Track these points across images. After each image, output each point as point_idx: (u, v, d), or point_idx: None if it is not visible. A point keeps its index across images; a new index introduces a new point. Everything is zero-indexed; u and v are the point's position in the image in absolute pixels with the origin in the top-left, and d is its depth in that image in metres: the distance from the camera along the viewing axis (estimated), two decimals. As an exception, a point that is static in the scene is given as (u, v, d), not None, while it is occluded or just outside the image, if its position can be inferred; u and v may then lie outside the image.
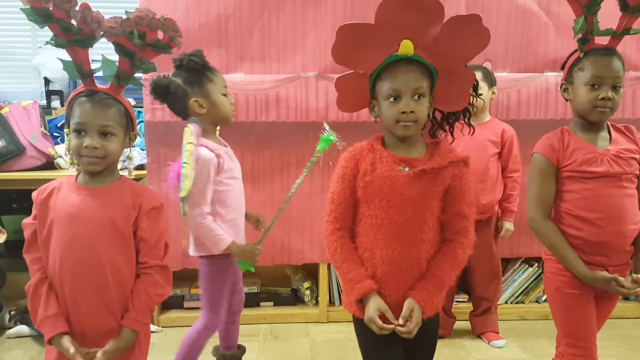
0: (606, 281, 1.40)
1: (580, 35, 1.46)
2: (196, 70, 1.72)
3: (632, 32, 1.44)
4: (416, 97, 1.25)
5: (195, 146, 1.62)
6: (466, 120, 1.40)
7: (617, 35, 1.45)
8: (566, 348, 1.52)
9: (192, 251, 1.79)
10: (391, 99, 1.26)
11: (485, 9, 2.50)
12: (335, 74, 2.44)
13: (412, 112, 1.24)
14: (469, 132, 1.38)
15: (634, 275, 1.41)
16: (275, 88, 2.48)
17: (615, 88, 1.43)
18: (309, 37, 2.49)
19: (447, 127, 1.39)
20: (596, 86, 1.44)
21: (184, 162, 1.58)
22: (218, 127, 1.98)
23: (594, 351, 1.50)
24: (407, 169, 1.27)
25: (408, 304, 1.25)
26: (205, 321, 1.81)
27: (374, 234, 1.28)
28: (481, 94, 1.48)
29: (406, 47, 1.24)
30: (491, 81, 2.36)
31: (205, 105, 1.74)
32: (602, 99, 1.42)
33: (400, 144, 1.31)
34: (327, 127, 1.71)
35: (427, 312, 1.26)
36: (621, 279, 1.39)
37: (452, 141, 1.37)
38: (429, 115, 1.33)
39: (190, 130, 1.62)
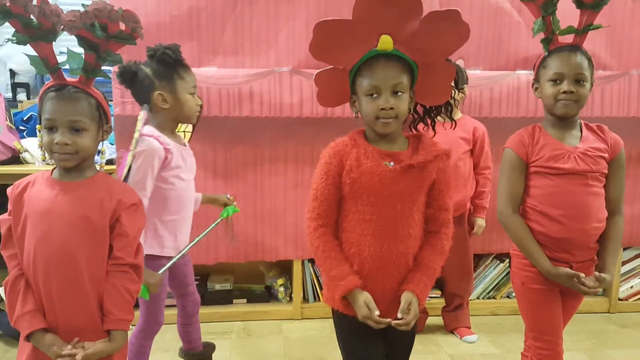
0: (568, 278, 1.42)
1: (543, 36, 1.49)
2: (168, 64, 1.65)
3: (592, 28, 1.46)
4: (396, 92, 1.24)
5: (140, 133, 1.57)
6: (448, 114, 1.40)
7: (579, 32, 1.47)
8: (532, 342, 1.54)
9: None
10: (370, 95, 1.25)
11: (458, 7, 2.49)
12: (309, 69, 2.44)
13: (391, 108, 1.23)
14: (451, 126, 1.38)
15: (597, 274, 1.42)
16: (249, 83, 2.45)
17: (578, 82, 1.45)
18: (282, 31, 2.47)
19: (428, 121, 1.39)
20: (558, 81, 1.46)
21: (130, 150, 1.54)
22: (188, 127, 1.94)
23: (559, 345, 1.52)
24: (392, 163, 1.26)
25: (406, 297, 1.24)
26: (142, 323, 1.76)
27: (362, 230, 1.27)
28: (462, 88, 1.49)
29: (385, 42, 1.22)
30: (463, 79, 2.38)
31: (170, 100, 1.67)
32: (564, 92, 1.45)
33: (381, 139, 1.30)
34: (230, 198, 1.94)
35: (422, 304, 1.27)
36: (583, 276, 1.40)
37: (434, 135, 1.36)
38: (410, 110, 1.32)
39: (140, 117, 1.58)
